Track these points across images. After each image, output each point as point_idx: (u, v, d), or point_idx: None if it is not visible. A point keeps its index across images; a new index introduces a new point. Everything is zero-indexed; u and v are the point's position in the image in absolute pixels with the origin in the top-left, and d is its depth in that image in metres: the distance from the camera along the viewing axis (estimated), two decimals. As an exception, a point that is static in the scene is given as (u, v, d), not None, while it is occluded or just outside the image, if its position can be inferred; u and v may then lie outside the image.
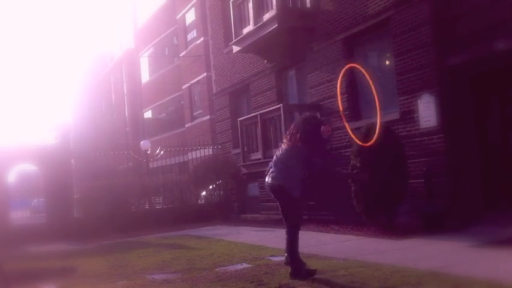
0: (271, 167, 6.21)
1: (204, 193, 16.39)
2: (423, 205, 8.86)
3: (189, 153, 21.01)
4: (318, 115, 12.56)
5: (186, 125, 26.94)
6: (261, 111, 13.68)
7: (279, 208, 6.22)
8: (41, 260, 10.14)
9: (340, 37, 11.81)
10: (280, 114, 12.15)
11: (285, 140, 6.24)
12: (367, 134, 8.09)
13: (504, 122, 9.27)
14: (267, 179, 6.20)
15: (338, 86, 7.43)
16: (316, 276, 5.85)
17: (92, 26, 56.38)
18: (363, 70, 6.97)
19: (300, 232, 6.13)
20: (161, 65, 31.52)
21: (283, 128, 12.06)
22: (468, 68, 9.07)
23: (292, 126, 6.27)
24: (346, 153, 10.88)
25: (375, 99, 6.54)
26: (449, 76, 9.34)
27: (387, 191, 8.53)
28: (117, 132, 37.63)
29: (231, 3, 15.06)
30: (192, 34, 26.22)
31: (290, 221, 6.08)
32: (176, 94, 28.82)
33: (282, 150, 6.20)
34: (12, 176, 15.02)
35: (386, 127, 9.28)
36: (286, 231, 6.08)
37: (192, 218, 15.00)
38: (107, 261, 8.91)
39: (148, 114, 34.23)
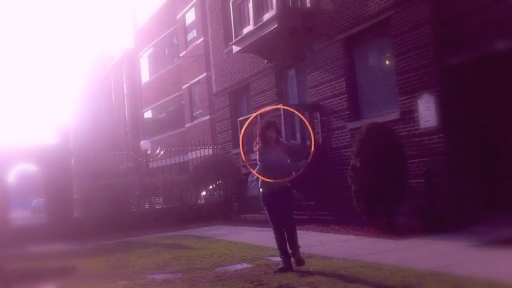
0: None
1: (204, 193, 16.39)
2: (423, 205, 8.86)
3: (189, 153, 21.01)
4: (318, 115, 12.59)
5: (186, 125, 26.94)
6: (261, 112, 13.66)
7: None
8: (41, 260, 10.14)
9: (340, 37, 11.81)
10: (280, 114, 12.15)
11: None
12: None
13: (504, 122, 9.27)
14: None
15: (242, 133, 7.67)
16: (317, 276, 5.88)
17: (92, 26, 56.35)
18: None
19: (299, 232, 6.55)
20: (161, 65, 31.52)
21: (283, 128, 12.06)
22: (468, 68, 9.07)
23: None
24: (346, 153, 10.88)
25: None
26: (449, 76, 9.34)
27: (387, 191, 8.52)
28: (117, 132, 37.61)
29: (231, 3, 15.06)
30: (192, 34, 26.23)
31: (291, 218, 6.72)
32: (176, 94, 28.82)
33: None
34: (12, 176, 15.01)
35: (387, 127, 9.31)
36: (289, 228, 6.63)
37: (192, 218, 14.99)
38: (106, 261, 8.91)
39: (148, 114, 34.22)
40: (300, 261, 6.41)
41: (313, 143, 6.69)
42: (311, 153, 6.54)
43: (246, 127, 7.88)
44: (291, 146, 6.99)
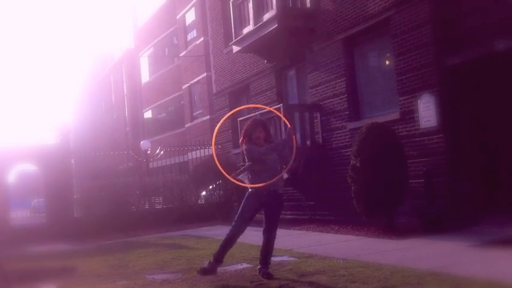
0: None
1: (204, 193, 16.38)
2: (423, 205, 8.86)
3: (189, 153, 21.02)
4: (318, 115, 12.58)
5: (186, 125, 26.94)
6: (261, 111, 13.66)
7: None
8: (41, 260, 10.14)
9: (340, 37, 11.81)
10: (280, 113, 12.13)
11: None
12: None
13: (504, 121, 9.27)
14: None
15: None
16: (317, 276, 5.87)
17: (92, 26, 56.33)
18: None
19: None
20: (161, 65, 31.53)
21: (283, 128, 12.06)
22: (468, 68, 9.07)
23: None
24: (346, 153, 10.87)
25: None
26: (449, 76, 9.34)
27: (387, 191, 8.52)
28: (117, 132, 37.63)
29: (231, 3, 15.06)
30: (192, 34, 26.25)
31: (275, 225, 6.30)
32: (176, 94, 28.84)
33: None
34: (12, 176, 15.01)
35: (387, 127, 9.31)
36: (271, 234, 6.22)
37: (192, 218, 14.98)
38: (106, 261, 8.90)
39: (148, 114, 34.24)
40: (269, 276, 5.95)
41: (294, 141, 6.39)
42: (293, 152, 6.20)
43: (218, 129, 7.68)
44: (277, 145, 6.39)
